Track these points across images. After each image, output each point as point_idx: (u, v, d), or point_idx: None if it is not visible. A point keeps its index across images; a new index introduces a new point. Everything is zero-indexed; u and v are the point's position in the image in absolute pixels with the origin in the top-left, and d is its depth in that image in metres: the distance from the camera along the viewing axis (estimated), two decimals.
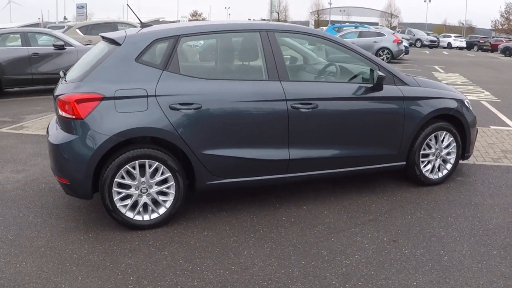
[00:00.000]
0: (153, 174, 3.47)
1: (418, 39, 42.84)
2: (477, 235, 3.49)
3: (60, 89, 3.58)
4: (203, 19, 48.20)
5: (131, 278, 2.86)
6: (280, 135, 3.75)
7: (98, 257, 3.11)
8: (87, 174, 3.33)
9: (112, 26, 14.06)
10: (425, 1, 78.24)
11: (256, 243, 3.35)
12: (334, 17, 73.95)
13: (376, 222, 3.72)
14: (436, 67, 19.28)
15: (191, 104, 3.48)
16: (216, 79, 3.67)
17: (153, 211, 3.52)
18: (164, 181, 3.51)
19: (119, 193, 3.41)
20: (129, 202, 3.44)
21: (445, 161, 4.58)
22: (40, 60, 9.72)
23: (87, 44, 11.26)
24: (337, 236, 3.45)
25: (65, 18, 49.16)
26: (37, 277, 2.85)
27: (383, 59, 20.05)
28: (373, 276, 2.91)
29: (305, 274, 2.93)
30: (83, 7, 37.46)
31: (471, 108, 4.78)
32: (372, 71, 3.97)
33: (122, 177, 3.40)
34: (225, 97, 3.59)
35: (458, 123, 4.54)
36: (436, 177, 4.54)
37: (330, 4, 76.00)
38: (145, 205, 3.50)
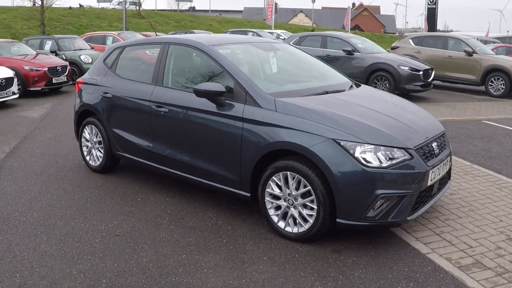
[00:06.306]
0: (95, 136, 5.21)
1: None
2: None
3: None
4: None
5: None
6: (148, 129, 4.47)
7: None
8: (77, 125, 5.49)
9: (443, 39, 12.94)
10: None
11: (122, 211, 4.21)
12: None
13: (165, 227, 3.83)
14: None
15: (107, 93, 4.90)
16: (126, 79, 4.80)
17: (95, 161, 5.27)
18: (100, 142, 5.16)
19: (83, 143, 5.40)
20: (85, 150, 5.37)
21: (302, 215, 3.47)
22: (331, 61, 11.50)
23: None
24: (157, 231, 4.01)
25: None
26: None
27: None
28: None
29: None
30: None
31: (376, 157, 3.24)
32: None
33: (83, 132, 5.31)
34: (123, 92, 4.74)
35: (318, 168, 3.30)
36: (289, 229, 3.57)
37: None
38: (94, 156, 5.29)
